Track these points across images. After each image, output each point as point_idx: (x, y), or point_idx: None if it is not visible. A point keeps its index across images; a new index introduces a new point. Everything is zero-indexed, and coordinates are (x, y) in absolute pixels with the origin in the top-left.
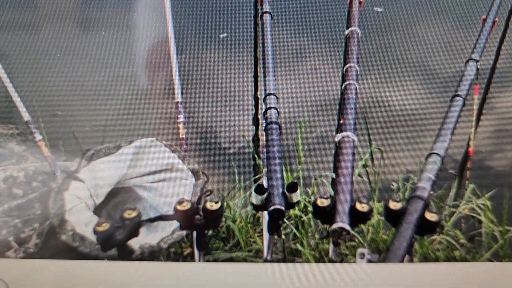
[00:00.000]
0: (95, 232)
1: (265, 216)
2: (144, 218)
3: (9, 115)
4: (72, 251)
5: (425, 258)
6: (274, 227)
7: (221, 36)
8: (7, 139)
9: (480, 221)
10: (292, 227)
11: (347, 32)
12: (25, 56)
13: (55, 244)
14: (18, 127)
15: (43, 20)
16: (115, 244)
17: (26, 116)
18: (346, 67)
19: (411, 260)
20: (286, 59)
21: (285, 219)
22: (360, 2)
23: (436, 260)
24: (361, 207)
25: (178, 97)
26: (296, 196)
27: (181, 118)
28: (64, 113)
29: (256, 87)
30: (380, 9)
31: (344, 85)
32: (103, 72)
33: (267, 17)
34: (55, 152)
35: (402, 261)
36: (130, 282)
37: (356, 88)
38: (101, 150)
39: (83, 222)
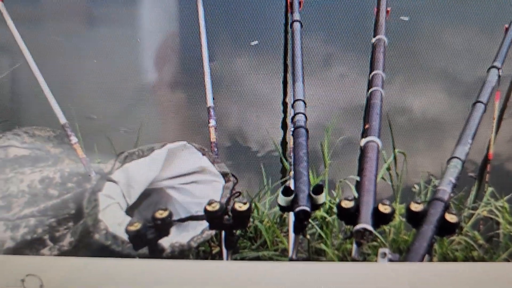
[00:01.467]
0: (127, 231)
1: (291, 216)
2: (175, 218)
3: (47, 119)
4: (104, 250)
5: (444, 258)
6: (300, 227)
7: (252, 43)
8: (44, 142)
9: (498, 223)
10: (317, 227)
11: (374, 40)
12: (62, 62)
13: (88, 242)
14: (55, 130)
15: (80, 25)
16: (146, 243)
17: (62, 119)
18: (372, 74)
19: (430, 260)
20: (315, 66)
21: (310, 220)
22: (387, 11)
23: (455, 260)
24: (384, 208)
25: (210, 102)
26: (322, 198)
27: (212, 122)
28: (99, 117)
29: (285, 93)
30: (406, 18)
31: (370, 91)
32: (138, 78)
33: (297, 25)
34: (90, 154)
35: (422, 260)
36: (160, 280)
37: (381, 94)
38: (134, 153)
39: (116, 222)
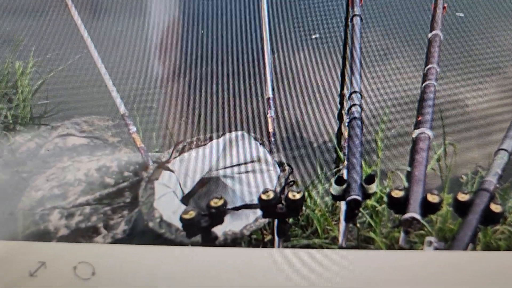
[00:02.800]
0: (181, 219)
1: (343, 205)
2: (229, 206)
3: (106, 108)
4: (158, 238)
5: (488, 247)
6: (351, 216)
7: (313, 36)
8: (103, 131)
9: None
10: (367, 216)
11: (430, 35)
12: (124, 52)
13: (142, 230)
14: (114, 120)
15: (142, 18)
16: (200, 231)
17: (122, 109)
18: (427, 68)
19: (474, 248)
20: (372, 59)
21: (361, 209)
22: (443, 8)
23: (498, 248)
24: (432, 198)
25: (269, 93)
26: (373, 188)
27: (271, 113)
28: (159, 107)
29: (342, 85)
30: (461, 14)
31: (424, 84)
32: (199, 69)
33: (357, 19)
34: (148, 143)
35: (466, 249)
36: (212, 267)
37: (435, 87)
38: (192, 142)
39: (170, 210)
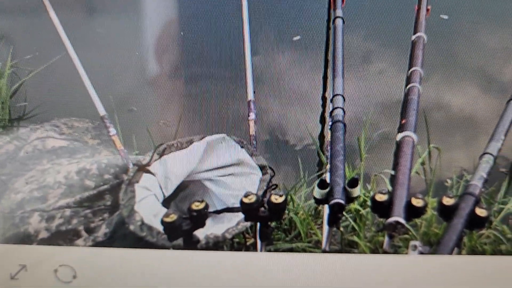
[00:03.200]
0: (162, 222)
1: (326, 209)
2: (211, 210)
3: (86, 110)
4: (139, 241)
5: (473, 251)
6: (334, 219)
7: (295, 38)
8: (82, 133)
9: None
10: (350, 220)
11: (413, 37)
12: (104, 53)
13: (123, 233)
14: (94, 122)
15: (121, 18)
16: (181, 234)
17: (101, 111)
18: (410, 70)
19: (459, 253)
20: (355, 62)
21: (344, 213)
22: (427, 10)
23: (483, 253)
24: (417, 202)
25: (251, 95)
26: (356, 191)
27: (252, 116)
28: (139, 109)
29: (324, 87)
30: (445, 17)
31: (408, 87)
32: (179, 71)
33: (339, 21)
34: (128, 146)
35: (451, 253)
36: (193, 271)
37: (419, 90)
38: (173, 145)
39: (151, 213)
